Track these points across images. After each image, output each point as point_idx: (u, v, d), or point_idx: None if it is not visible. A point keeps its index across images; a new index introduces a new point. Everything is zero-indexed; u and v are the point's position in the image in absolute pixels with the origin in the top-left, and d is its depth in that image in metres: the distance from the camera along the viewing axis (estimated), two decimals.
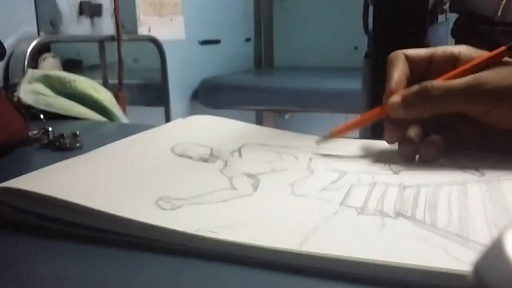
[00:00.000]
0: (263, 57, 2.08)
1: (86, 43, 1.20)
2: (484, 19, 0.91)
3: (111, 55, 1.16)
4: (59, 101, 0.57)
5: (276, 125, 1.84)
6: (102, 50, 1.18)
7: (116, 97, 0.66)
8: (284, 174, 0.30)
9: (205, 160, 0.33)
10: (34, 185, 0.25)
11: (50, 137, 0.44)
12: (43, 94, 0.56)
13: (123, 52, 1.13)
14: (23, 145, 0.43)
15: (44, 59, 1.03)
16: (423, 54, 0.36)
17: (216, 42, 1.76)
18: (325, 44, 1.97)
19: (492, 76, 0.32)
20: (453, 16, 0.99)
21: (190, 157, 0.33)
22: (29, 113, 0.49)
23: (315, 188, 0.28)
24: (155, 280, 0.20)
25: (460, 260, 0.19)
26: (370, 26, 0.78)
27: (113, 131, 0.57)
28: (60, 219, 0.24)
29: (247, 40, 2.03)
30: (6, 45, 0.52)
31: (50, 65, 1.03)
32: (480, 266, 0.13)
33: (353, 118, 0.37)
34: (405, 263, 0.19)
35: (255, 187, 0.28)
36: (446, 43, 0.94)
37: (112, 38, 1.14)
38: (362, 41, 0.89)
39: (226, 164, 0.32)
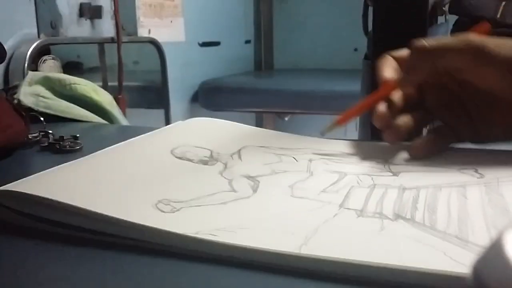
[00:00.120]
0: (263, 59, 2.08)
1: (86, 45, 1.20)
2: (484, 20, 0.91)
3: (111, 57, 1.16)
4: (59, 103, 0.57)
5: (276, 127, 1.84)
6: (102, 52, 1.19)
7: (116, 99, 0.66)
8: (284, 176, 0.30)
9: (205, 163, 0.33)
10: (33, 188, 0.25)
11: (50, 140, 0.44)
12: (43, 97, 0.56)
13: (123, 54, 1.13)
14: (23, 147, 0.43)
15: (44, 61, 1.03)
16: (406, 53, 0.38)
17: (216, 44, 1.76)
18: (324, 46, 1.97)
19: (480, 38, 0.33)
20: (452, 18, 0.99)
21: (190, 160, 0.33)
22: (29, 115, 0.49)
23: (315, 190, 0.28)
24: (154, 282, 0.20)
25: (460, 262, 0.19)
26: (370, 27, 0.79)
27: (113, 133, 0.58)
28: (60, 222, 0.24)
29: (247, 42, 2.03)
30: (6, 47, 0.52)
31: (50, 67, 1.03)
32: (480, 266, 0.13)
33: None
34: (404, 266, 0.19)
35: (255, 189, 0.28)
36: None
37: (112, 40, 1.14)
38: (362, 43, 0.89)
39: (225, 167, 0.32)
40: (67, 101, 0.58)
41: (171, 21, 1.48)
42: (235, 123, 0.43)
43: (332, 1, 1.96)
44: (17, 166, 0.40)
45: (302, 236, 0.22)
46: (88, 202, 0.24)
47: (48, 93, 0.57)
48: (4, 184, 0.26)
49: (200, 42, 1.67)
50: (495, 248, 0.13)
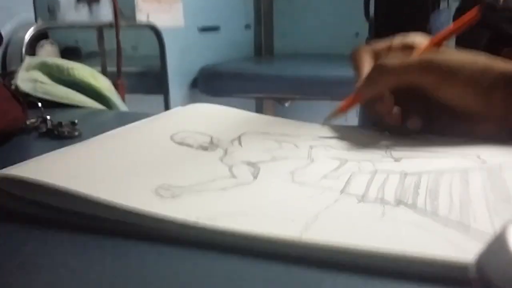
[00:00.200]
0: (263, 44, 2.07)
1: (85, 30, 1.19)
2: (486, 5, 0.90)
3: (110, 42, 1.15)
4: (57, 89, 0.56)
5: (276, 113, 1.84)
6: (100, 37, 1.17)
7: (115, 85, 0.66)
8: (285, 163, 0.30)
9: (205, 149, 0.32)
10: (31, 173, 0.25)
11: (49, 126, 0.43)
12: (41, 82, 0.56)
13: (122, 40, 1.12)
14: (21, 133, 0.43)
15: (42, 46, 1.02)
16: (382, 46, 0.39)
17: (216, 29, 1.75)
18: (325, 31, 1.96)
19: (441, 54, 0.35)
20: (455, 3, 0.97)
21: (190, 145, 0.33)
22: (27, 101, 0.48)
23: (316, 176, 0.28)
24: (154, 268, 0.20)
25: (461, 248, 0.19)
26: (372, 12, 0.78)
27: (111, 119, 0.57)
28: (58, 207, 0.24)
29: (247, 27, 2.01)
30: (3, 32, 0.52)
31: (48, 52, 1.02)
32: (483, 259, 0.13)
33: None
34: (406, 252, 0.19)
35: (255, 176, 0.28)
36: None
37: (110, 25, 1.13)
38: (363, 28, 0.88)
39: (226, 153, 0.32)
40: (65, 86, 0.57)
41: (170, 6, 1.46)
42: (235, 109, 0.42)
43: None
44: (15, 152, 0.40)
45: (303, 222, 0.21)
46: (86, 187, 0.24)
47: (46, 79, 0.57)
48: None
49: (199, 27, 1.65)
50: (498, 241, 0.13)
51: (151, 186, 0.25)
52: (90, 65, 0.64)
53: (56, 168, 0.27)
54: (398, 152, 0.32)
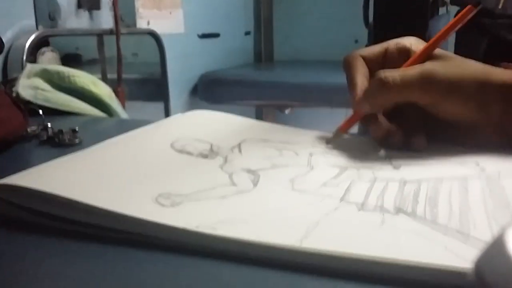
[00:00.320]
0: (263, 51, 2.07)
1: (85, 37, 1.19)
2: (484, 11, 0.90)
3: (110, 49, 1.16)
4: (58, 96, 0.57)
5: (277, 120, 1.84)
6: (101, 44, 1.18)
7: (115, 92, 0.66)
8: (285, 170, 0.30)
9: (205, 156, 0.32)
10: (32, 182, 0.25)
11: (49, 133, 0.43)
12: (42, 89, 0.56)
13: (122, 46, 1.13)
14: (22, 141, 0.43)
15: (43, 53, 1.02)
16: (377, 51, 0.38)
17: (216, 35, 1.75)
18: (325, 38, 1.96)
19: (441, 67, 0.34)
20: (454, 9, 0.98)
21: (190, 153, 0.33)
22: (28, 108, 0.48)
23: (316, 183, 0.28)
24: (154, 277, 0.20)
25: (461, 256, 0.19)
26: (371, 19, 0.78)
27: (112, 127, 0.57)
28: (58, 216, 0.24)
29: (247, 33, 2.02)
30: (4, 39, 0.52)
31: (49, 59, 1.03)
32: (481, 263, 0.13)
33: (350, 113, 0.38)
34: (405, 260, 0.19)
35: (255, 183, 0.28)
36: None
37: (110, 32, 1.13)
38: (363, 34, 0.88)
39: (226, 160, 0.32)
40: (66, 93, 0.58)
41: (170, 13, 1.47)
42: (235, 116, 0.43)
43: None
44: (16, 160, 0.40)
45: (303, 230, 0.21)
46: (87, 196, 0.24)
47: (46, 86, 0.57)
48: (2, 178, 0.26)
49: (200, 34, 1.66)
50: (497, 245, 0.13)
51: (151, 195, 0.25)
52: (91, 72, 0.65)
53: (56, 177, 0.27)
54: (397, 160, 0.32)
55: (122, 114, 0.63)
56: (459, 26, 0.36)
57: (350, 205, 0.25)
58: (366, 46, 0.90)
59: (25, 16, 0.98)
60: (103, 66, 1.19)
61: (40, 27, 1.01)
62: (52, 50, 1.05)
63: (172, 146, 0.34)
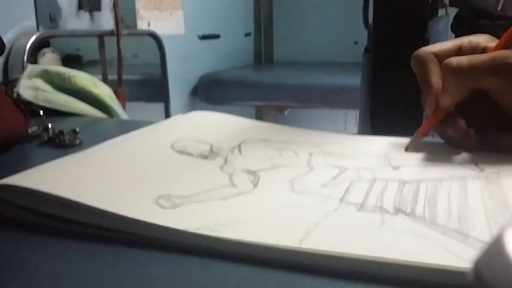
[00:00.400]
0: (263, 52, 2.08)
1: (86, 38, 1.19)
2: (484, 13, 0.90)
3: (111, 50, 1.16)
4: (59, 97, 0.57)
5: (276, 121, 1.84)
6: (101, 45, 1.18)
7: (116, 93, 0.66)
8: (284, 170, 0.30)
9: (205, 157, 0.33)
10: (33, 182, 0.25)
11: (50, 134, 0.43)
12: (43, 90, 0.56)
13: (123, 47, 1.13)
14: (23, 142, 0.43)
15: (44, 54, 1.02)
16: (450, 49, 0.35)
17: (216, 37, 1.76)
18: (325, 39, 1.97)
19: None
20: (453, 11, 0.98)
21: (190, 154, 0.33)
22: (29, 109, 0.48)
23: (315, 184, 0.28)
24: (155, 279, 0.20)
25: (460, 257, 0.19)
26: (370, 20, 0.78)
27: (112, 127, 0.57)
28: (59, 216, 0.24)
29: (247, 35, 2.02)
30: (5, 40, 0.52)
31: (49, 60, 1.03)
32: (480, 263, 0.13)
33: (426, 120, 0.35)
34: (404, 260, 0.19)
35: (255, 184, 0.28)
36: (446, 38, 0.94)
37: (111, 33, 1.13)
38: (362, 36, 0.88)
39: (226, 161, 0.32)
40: (67, 94, 0.58)
41: (171, 14, 1.47)
42: (235, 116, 0.43)
43: None
44: (17, 160, 0.40)
45: (303, 231, 0.22)
46: (88, 197, 0.24)
47: (47, 87, 0.57)
48: (3, 179, 0.26)
49: (200, 35, 1.66)
50: (496, 245, 0.13)
51: (151, 196, 0.25)
52: (91, 73, 0.65)
53: (56, 178, 0.27)
54: (396, 160, 0.32)
55: (123, 115, 0.63)
56: None
57: (350, 206, 0.25)
58: (366, 47, 0.90)
59: (26, 17, 0.98)
60: (103, 67, 1.19)
61: (41, 28, 1.01)
62: (52, 51, 1.05)
63: (172, 147, 0.34)
